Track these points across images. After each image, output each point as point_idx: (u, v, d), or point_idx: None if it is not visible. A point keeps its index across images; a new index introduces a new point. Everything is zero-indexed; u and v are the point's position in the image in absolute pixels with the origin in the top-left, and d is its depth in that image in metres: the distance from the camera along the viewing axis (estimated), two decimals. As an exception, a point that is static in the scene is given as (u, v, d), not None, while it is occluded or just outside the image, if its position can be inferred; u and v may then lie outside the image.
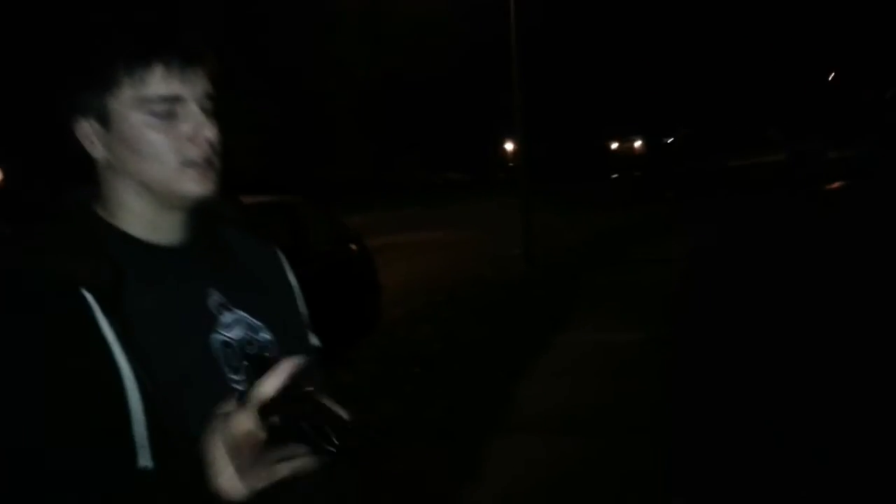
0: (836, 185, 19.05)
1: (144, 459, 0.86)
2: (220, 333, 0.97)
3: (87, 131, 0.95)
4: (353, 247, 7.06)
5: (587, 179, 32.64)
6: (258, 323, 1.02)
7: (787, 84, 42.10)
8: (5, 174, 16.41)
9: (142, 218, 0.98)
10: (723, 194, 20.10)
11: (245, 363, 0.97)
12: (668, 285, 7.93)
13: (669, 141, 47.21)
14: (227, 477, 0.82)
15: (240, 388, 0.94)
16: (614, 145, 46.18)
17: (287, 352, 0.96)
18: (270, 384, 0.82)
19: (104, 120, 0.94)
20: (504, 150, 40.20)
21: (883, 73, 35.04)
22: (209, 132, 0.96)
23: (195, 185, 0.96)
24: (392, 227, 16.85)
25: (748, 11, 38.84)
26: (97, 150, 0.96)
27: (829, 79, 41.02)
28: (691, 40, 40.99)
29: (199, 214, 1.02)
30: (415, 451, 3.88)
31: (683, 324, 6.15)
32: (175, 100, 0.94)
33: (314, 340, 1.16)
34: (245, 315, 1.01)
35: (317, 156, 33.35)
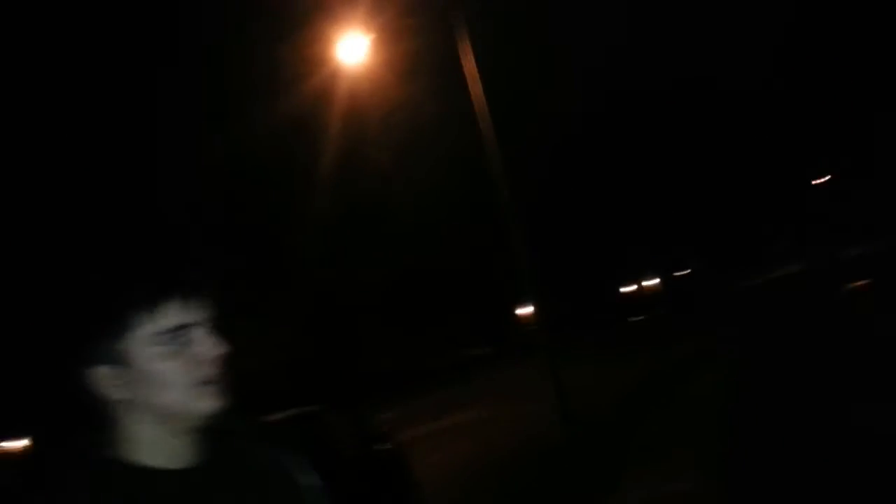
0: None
1: None
2: None
3: (105, 375, 1.00)
4: (385, 447, 6.84)
5: (605, 327, 32.43)
6: None
7: (787, 194, 42.77)
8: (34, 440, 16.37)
9: (156, 447, 1.03)
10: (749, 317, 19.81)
11: None
12: (711, 427, 7.55)
13: (684, 273, 47.45)
14: None
15: None
16: (627, 289, 46.37)
17: None
18: None
19: (122, 361, 1.00)
20: (517, 315, 40.30)
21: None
22: (219, 349, 1.04)
23: (210, 402, 1.03)
24: (424, 416, 16.47)
25: (732, 134, 40.49)
26: (115, 391, 1.01)
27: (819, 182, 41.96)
28: (685, 173, 42.33)
29: (210, 434, 1.07)
30: None
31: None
32: (186, 328, 1.02)
33: None
34: None
35: (342, 360, 33.43)
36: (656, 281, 45.86)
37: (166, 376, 1.01)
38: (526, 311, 11.31)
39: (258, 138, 24.59)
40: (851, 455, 4.98)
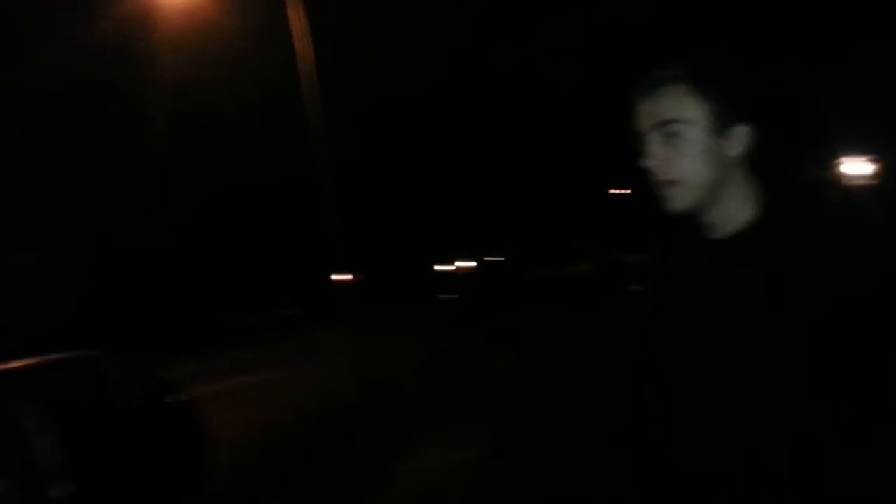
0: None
1: None
2: None
3: None
4: (171, 399, 6.59)
5: (417, 302, 33.36)
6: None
7: (590, 198, 46.31)
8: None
9: None
10: (545, 304, 21.33)
11: None
12: (497, 398, 8.13)
13: (497, 260, 49.81)
14: None
15: None
16: (442, 267, 47.88)
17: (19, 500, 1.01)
18: None
19: None
20: (333, 280, 40.26)
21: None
22: None
23: None
24: (225, 373, 16.01)
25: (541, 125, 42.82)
26: None
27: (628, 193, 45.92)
28: (499, 160, 44.30)
29: None
30: None
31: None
32: None
33: (57, 491, 1.18)
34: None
35: (140, 306, 31.41)
36: (472, 263, 47.80)
37: None
38: (342, 277, 11.35)
39: (74, 59, 22.34)
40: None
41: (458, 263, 48.32)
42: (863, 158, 22.54)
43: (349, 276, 12.35)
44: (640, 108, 1.30)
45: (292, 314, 38.55)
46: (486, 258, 49.56)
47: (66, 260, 27.26)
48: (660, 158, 1.26)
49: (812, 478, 1.19)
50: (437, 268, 47.66)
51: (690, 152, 1.25)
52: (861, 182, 22.21)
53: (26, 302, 24.17)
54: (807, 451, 1.19)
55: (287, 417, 9.03)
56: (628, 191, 41.21)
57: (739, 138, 1.26)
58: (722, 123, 1.25)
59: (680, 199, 1.27)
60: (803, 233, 1.24)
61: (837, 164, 23.25)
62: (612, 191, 43.20)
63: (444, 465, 5.85)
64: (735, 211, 1.28)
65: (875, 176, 22.79)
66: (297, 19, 10.35)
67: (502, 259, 48.31)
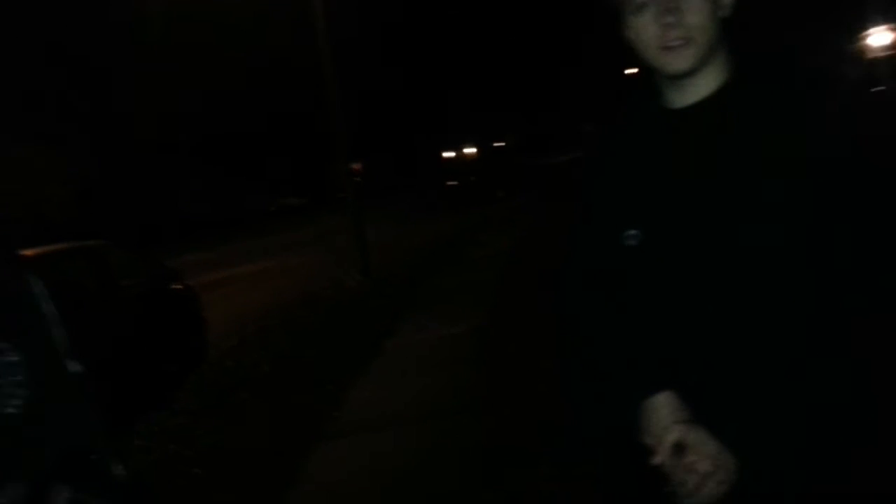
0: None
1: None
2: None
3: None
4: (172, 285, 6.87)
5: (425, 189, 33.39)
6: (5, 345, 1.10)
7: (597, 80, 45.10)
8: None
9: None
10: (548, 188, 21.34)
11: None
12: (492, 280, 8.37)
13: (500, 145, 49.24)
14: None
15: None
16: (449, 154, 47.54)
17: (34, 373, 1.10)
18: None
19: None
20: (342, 168, 40.17)
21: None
22: None
23: None
24: (231, 261, 16.40)
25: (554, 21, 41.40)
26: None
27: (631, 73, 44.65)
28: (511, 51, 43.01)
29: None
30: (240, 471, 3.88)
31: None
32: None
33: (74, 366, 1.22)
34: None
35: (150, 197, 31.66)
36: (474, 150, 47.38)
37: None
38: (351, 165, 11.39)
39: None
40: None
41: (464, 150, 47.86)
42: (888, 27, 21.59)
43: (356, 165, 12.37)
44: None
45: (298, 204, 38.73)
46: (492, 144, 48.97)
47: (81, 151, 27.24)
48: (672, 14, 1.22)
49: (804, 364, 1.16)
50: (444, 154, 47.31)
51: (700, 9, 1.23)
52: (882, 54, 21.42)
53: (42, 193, 24.38)
54: (790, 336, 1.17)
55: (287, 301, 9.38)
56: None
57: None
58: None
59: (690, 58, 1.24)
60: (768, 99, 1.23)
61: (865, 35, 22.28)
62: (627, 71, 42.10)
63: (432, 339, 6.14)
64: (711, 76, 1.27)
65: (893, 46, 21.93)
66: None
67: (503, 145, 47.70)
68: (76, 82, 27.53)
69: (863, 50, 22.11)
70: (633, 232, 1.29)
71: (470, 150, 47.47)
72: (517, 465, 3.32)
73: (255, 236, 24.08)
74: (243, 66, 33.05)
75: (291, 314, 8.26)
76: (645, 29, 1.26)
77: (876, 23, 21.53)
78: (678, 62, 1.25)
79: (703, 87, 1.27)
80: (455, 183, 35.48)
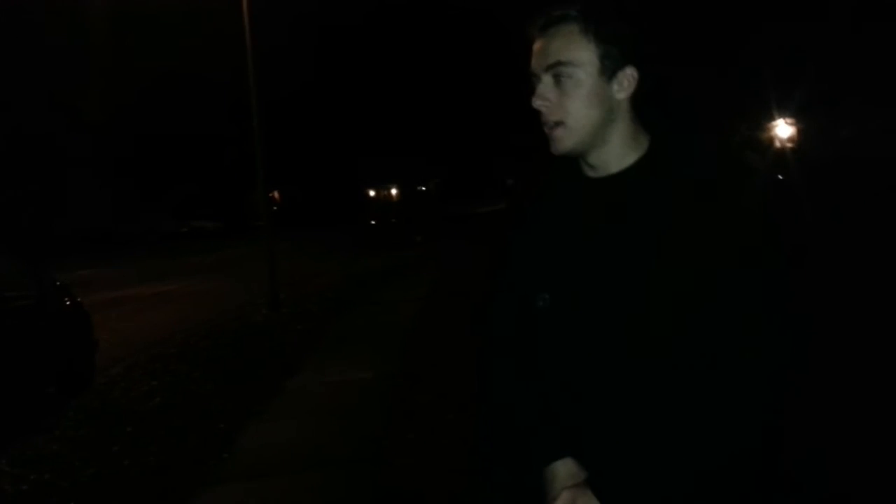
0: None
1: None
2: None
3: None
4: (62, 300, 6.41)
5: (344, 226, 33.10)
6: None
7: (526, 137, 46.48)
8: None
9: None
10: (465, 238, 21.55)
11: None
12: (405, 325, 8.27)
13: (423, 189, 49.66)
14: None
15: None
16: (371, 192, 47.52)
17: None
18: None
19: None
20: (258, 195, 39.40)
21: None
22: None
23: None
24: (130, 280, 15.61)
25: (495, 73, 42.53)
26: None
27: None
28: (438, 92, 43.76)
29: None
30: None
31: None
32: None
33: None
34: None
35: (45, 206, 29.95)
36: (394, 191, 47.58)
37: None
38: (269, 194, 11.09)
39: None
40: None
41: (385, 190, 48.03)
42: (791, 121, 23.22)
43: (274, 194, 12.10)
44: (533, 47, 1.29)
45: (212, 227, 37.63)
46: (415, 187, 49.35)
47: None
48: (548, 100, 1.27)
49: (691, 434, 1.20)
50: (370, 193, 47.35)
51: (578, 95, 1.25)
52: (785, 145, 22.99)
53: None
54: (684, 397, 1.21)
55: (188, 328, 8.95)
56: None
57: (628, 81, 1.27)
58: (611, 66, 1.25)
59: (565, 141, 1.28)
60: (676, 176, 1.26)
61: (772, 126, 23.84)
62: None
63: (337, 383, 5.95)
64: (618, 153, 1.30)
65: (793, 140, 23.60)
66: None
67: (424, 189, 48.20)
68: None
69: (770, 139, 23.68)
70: (544, 295, 1.33)
71: (392, 191, 47.62)
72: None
73: (161, 256, 23.08)
74: (165, 79, 32.16)
75: (190, 343, 7.87)
76: (535, 101, 1.30)
77: (782, 115, 23.14)
78: (555, 144, 1.30)
79: (611, 162, 1.31)
80: (375, 223, 35.42)
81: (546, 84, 1.27)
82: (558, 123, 1.27)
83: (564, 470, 1.29)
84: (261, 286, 10.42)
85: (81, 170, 31.44)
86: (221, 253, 23.00)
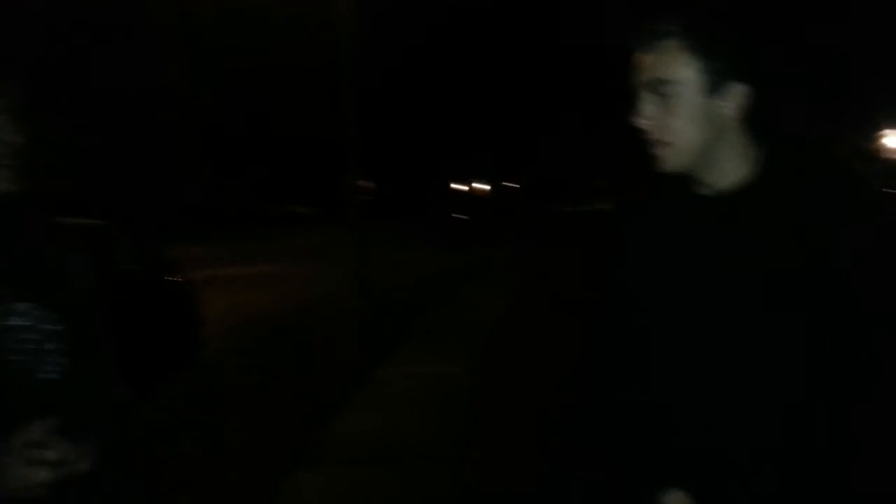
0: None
1: None
2: (9, 320, 1.17)
3: None
4: (171, 278, 6.75)
5: (434, 219, 33.44)
6: (50, 314, 1.22)
7: (616, 142, 45.61)
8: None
9: None
10: (554, 238, 21.35)
11: (25, 347, 1.17)
12: (492, 321, 8.28)
13: (512, 186, 49.48)
14: None
15: (15, 365, 1.16)
16: (459, 187, 47.75)
17: (76, 340, 1.26)
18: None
19: None
20: (354, 185, 40.31)
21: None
22: (16, 137, 1.15)
23: None
24: (227, 260, 16.32)
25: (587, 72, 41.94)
26: None
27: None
28: (532, 90, 43.46)
29: (10, 215, 1.20)
30: (216, 484, 3.76)
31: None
32: None
33: (108, 341, 1.38)
34: (35, 307, 1.20)
35: (151, 183, 31.65)
36: (487, 187, 47.59)
37: None
38: (362, 183, 11.38)
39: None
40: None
41: (474, 185, 48.10)
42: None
43: (366, 183, 12.37)
44: (635, 60, 1.26)
45: (306, 212, 38.79)
46: (503, 183, 49.18)
47: (89, 128, 27.28)
48: (651, 118, 1.23)
49: (805, 458, 1.19)
50: (453, 186, 47.54)
51: (682, 114, 1.21)
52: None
53: (40, 161, 24.32)
54: (800, 427, 1.19)
55: (282, 310, 9.28)
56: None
57: (735, 97, 1.22)
58: (717, 82, 1.21)
59: (671, 161, 1.25)
60: (796, 193, 1.22)
61: (881, 136, 22.55)
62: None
63: (424, 376, 6.04)
64: (728, 171, 1.26)
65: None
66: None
67: (517, 186, 47.90)
68: (92, 55, 27.61)
69: (878, 149, 22.40)
70: (656, 314, 1.30)
71: (481, 187, 47.68)
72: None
73: (257, 238, 24.02)
74: (266, 69, 33.33)
75: (284, 325, 8.16)
76: (638, 119, 1.26)
77: (890, 125, 21.88)
78: (662, 162, 1.26)
79: (721, 179, 1.26)
80: (463, 217, 35.52)
81: (649, 101, 1.23)
82: (663, 142, 1.24)
83: (674, 500, 1.28)
84: (351, 273, 10.67)
85: (182, 152, 33.05)
86: (314, 238, 23.69)
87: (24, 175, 1.17)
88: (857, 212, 1.20)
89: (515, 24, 41.37)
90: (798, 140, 1.35)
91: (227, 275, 13.38)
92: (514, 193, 47.36)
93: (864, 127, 22.47)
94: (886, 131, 22.32)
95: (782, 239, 1.20)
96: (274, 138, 37.99)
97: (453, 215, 35.99)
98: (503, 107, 43.53)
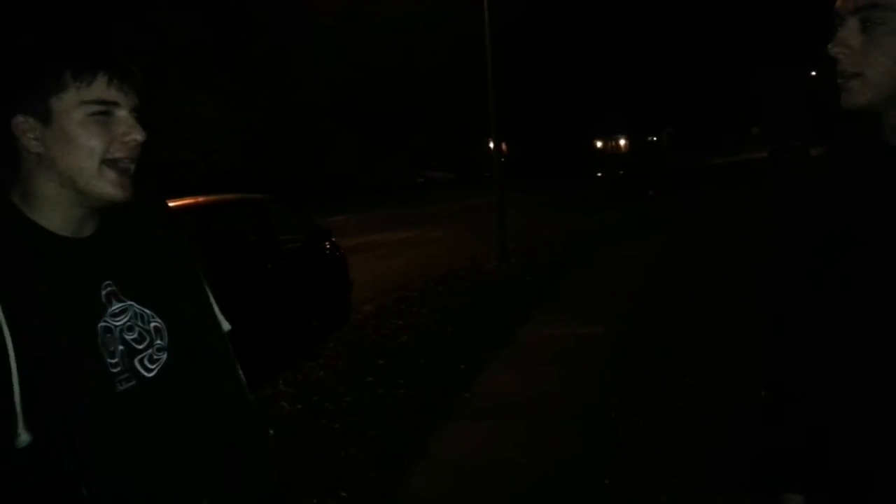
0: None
1: (21, 429, 0.99)
2: (106, 321, 1.10)
3: (25, 126, 1.08)
4: (325, 244, 7.21)
5: (572, 178, 32.89)
6: (148, 312, 1.15)
7: (770, 82, 42.42)
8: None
9: (56, 210, 1.10)
10: (704, 191, 20.36)
11: (121, 348, 1.10)
12: (636, 282, 8.12)
13: (654, 139, 47.51)
14: None
15: (114, 370, 1.08)
16: (599, 144, 46.47)
17: (179, 337, 1.17)
18: None
19: (45, 118, 1.08)
20: (489, 148, 40.43)
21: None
22: (139, 136, 1.11)
23: (112, 189, 1.11)
24: (373, 227, 17.01)
25: (731, 11, 39.21)
26: (32, 143, 1.08)
27: (812, 75, 41.47)
28: (675, 39, 41.28)
29: (111, 210, 1.15)
30: (370, 436, 4.03)
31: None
32: (112, 104, 1.10)
33: (225, 325, 1.28)
34: (134, 304, 1.14)
35: (303, 156, 33.45)
36: (625, 142, 45.97)
37: (79, 142, 1.07)
38: (498, 146, 11.42)
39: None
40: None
41: (615, 141, 46.67)
42: None
43: (502, 146, 12.42)
44: None
45: (444, 178, 39.40)
46: (648, 137, 47.34)
47: (250, 106, 29.11)
48: (849, 47, 1.12)
49: None
50: (598, 144, 46.39)
51: (885, 45, 1.10)
52: None
53: (211, 141, 26.36)
54: None
55: (425, 274, 9.60)
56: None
57: None
58: None
59: (860, 95, 1.13)
60: None
61: None
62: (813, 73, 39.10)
63: (567, 336, 6.07)
64: None
65: None
66: None
67: (655, 139, 45.83)
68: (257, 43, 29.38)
69: None
70: (836, 274, 1.18)
71: (621, 142, 46.16)
72: (650, 487, 3.21)
73: (398, 205, 24.79)
74: (403, 41, 33.98)
75: (429, 288, 8.45)
76: (833, 47, 1.15)
77: None
78: (848, 96, 1.14)
79: None
80: (602, 175, 34.59)
81: (850, 29, 1.12)
82: (856, 75, 1.12)
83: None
84: (491, 236, 10.80)
85: (331, 123, 34.56)
86: (454, 204, 24.10)
87: (144, 169, 1.12)
88: None
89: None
90: None
91: (376, 241, 13.99)
92: (656, 147, 45.39)
93: None
94: None
95: None
96: (408, 107, 38.64)
97: (598, 173, 35.10)
98: (644, 57, 41.57)
